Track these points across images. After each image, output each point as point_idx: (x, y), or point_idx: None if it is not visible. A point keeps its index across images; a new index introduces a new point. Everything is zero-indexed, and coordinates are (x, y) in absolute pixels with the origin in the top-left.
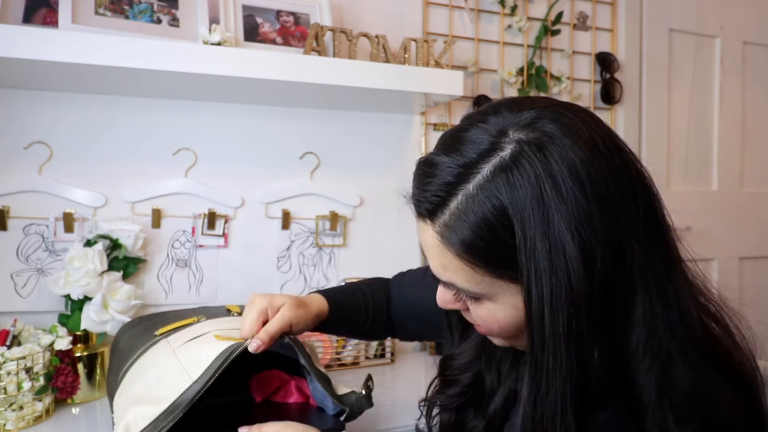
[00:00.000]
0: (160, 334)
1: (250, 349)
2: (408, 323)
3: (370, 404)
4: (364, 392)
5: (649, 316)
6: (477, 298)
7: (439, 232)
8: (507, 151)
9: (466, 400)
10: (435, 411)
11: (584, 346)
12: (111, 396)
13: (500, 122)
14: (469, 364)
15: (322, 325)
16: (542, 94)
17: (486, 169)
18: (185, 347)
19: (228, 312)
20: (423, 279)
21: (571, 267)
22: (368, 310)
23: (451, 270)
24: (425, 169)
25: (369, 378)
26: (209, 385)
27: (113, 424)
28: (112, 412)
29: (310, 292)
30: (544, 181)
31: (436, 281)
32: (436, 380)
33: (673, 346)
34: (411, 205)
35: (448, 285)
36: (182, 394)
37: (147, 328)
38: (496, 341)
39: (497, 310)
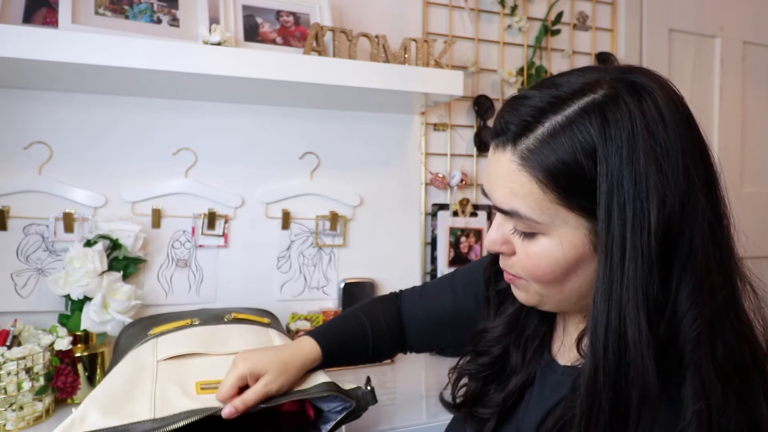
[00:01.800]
0: (153, 334)
1: (223, 414)
2: (425, 331)
3: (375, 400)
4: (369, 388)
5: (704, 261)
6: (532, 234)
7: (520, 155)
8: (601, 93)
9: (494, 372)
10: (462, 382)
11: (653, 274)
12: None
13: (594, 73)
14: (501, 337)
15: (318, 367)
16: None
17: (577, 104)
18: (167, 366)
19: (222, 320)
20: (451, 283)
21: (652, 195)
22: (367, 337)
23: (520, 196)
24: (515, 98)
25: (369, 379)
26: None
27: None
28: None
29: (304, 334)
30: (637, 117)
31: (497, 211)
32: (467, 354)
33: (721, 304)
34: (491, 136)
35: (510, 215)
36: (134, 424)
37: (144, 327)
38: (525, 296)
39: (550, 246)
